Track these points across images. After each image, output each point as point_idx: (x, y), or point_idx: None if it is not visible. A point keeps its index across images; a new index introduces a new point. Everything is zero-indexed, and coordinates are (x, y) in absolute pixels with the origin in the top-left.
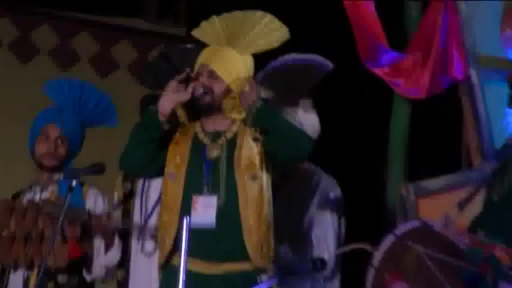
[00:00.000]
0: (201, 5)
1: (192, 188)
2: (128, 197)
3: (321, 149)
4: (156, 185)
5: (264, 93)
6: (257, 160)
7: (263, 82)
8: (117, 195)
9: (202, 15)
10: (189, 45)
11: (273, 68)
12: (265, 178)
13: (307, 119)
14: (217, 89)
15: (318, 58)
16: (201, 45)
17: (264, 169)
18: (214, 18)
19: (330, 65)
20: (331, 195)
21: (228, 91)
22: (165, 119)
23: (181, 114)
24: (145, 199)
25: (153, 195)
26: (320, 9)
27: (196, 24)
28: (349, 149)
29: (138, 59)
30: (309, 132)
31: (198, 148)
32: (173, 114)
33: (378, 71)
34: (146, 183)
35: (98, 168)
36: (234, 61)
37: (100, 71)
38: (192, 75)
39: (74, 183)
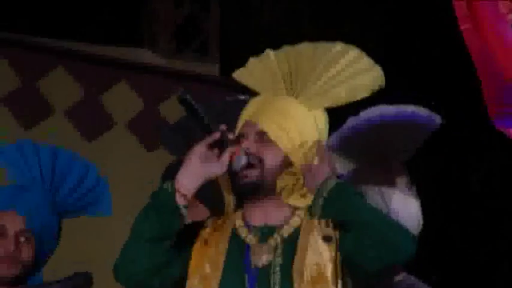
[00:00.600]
0: (238, 28)
1: None
2: None
3: (420, 249)
4: None
5: (341, 167)
6: (329, 270)
7: (339, 150)
8: None
9: (240, 42)
10: (243, 97)
11: (352, 129)
12: None
13: (405, 206)
14: (270, 160)
15: (419, 111)
16: (252, 94)
17: (339, 283)
18: (270, 53)
19: (437, 120)
20: None
21: (286, 164)
22: (186, 204)
23: (229, 198)
24: None
25: None
26: (424, 38)
27: (235, 58)
28: (468, 248)
29: (144, 111)
30: (409, 225)
31: (238, 251)
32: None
33: None
34: None
35: (81, 280)
36: (296, 119)
37: (85, 129)
38: (231, 136)
39: None
